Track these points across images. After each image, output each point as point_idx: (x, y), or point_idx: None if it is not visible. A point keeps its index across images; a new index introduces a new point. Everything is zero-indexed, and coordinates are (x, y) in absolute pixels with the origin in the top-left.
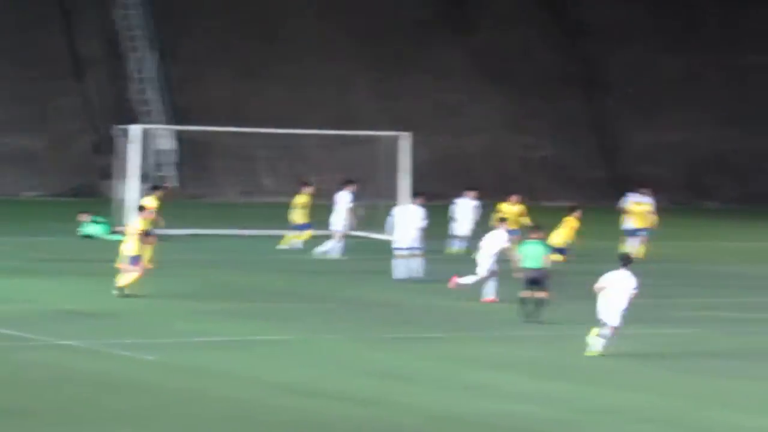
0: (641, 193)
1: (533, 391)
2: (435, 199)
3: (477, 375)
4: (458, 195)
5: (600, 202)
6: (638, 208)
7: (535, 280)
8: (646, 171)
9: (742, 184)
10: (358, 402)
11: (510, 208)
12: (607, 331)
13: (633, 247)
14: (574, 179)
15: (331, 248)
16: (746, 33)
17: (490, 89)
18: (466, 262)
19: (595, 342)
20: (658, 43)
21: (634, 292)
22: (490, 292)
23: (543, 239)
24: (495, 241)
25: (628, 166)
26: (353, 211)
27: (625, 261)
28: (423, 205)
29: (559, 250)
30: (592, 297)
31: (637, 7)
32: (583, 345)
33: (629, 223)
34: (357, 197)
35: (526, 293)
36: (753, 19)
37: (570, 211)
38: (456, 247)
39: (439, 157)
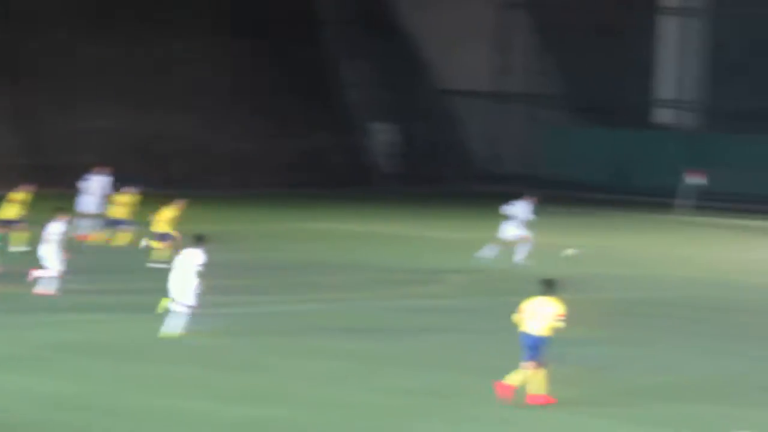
0: (99, 174)
1: None
2: None
3: None
4: None
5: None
6: (123, 199)
7: None
8: (70, 159)
9: (163, 169)
10: None
11: (18, 196)
12: (181, 311)
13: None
14: None
15: None
16: (162, 22)
17: None
18: None
19: (170, 323)
20: (79, 30)
21: (200, 269)
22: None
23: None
24: (56, 231)
25: (51, 154)
26: None
27: (199, 239)
28: None
29: (161, 237)
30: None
31: None
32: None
33: (112, 212)
34: None
35: None
36: (168, 9)
37: (172, 200)
38: None
39: None
